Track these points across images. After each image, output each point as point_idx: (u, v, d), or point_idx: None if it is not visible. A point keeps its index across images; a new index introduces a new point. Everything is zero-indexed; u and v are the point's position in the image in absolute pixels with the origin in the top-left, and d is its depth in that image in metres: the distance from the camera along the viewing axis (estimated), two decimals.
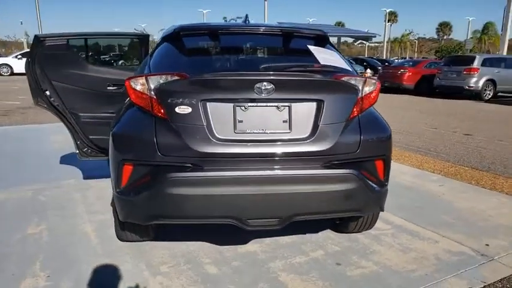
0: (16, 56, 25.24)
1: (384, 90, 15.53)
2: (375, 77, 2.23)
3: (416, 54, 65.17)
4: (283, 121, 2.33)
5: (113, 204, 2.63)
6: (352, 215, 2.70)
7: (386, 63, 25.32)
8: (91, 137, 3.70)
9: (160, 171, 2.25)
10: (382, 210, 2.65)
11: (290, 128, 2.33)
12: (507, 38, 22.05)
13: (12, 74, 23.95)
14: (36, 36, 3.48)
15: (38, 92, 3.55)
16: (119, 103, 3.70)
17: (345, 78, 2.45)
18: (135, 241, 2.90)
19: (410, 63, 19.93)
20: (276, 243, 3.00)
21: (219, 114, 2.27)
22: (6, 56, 27.49)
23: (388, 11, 62.12)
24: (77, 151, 3.79)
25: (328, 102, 2.36)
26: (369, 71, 20.28)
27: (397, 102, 13.84)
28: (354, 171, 2.35)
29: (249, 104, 2.29)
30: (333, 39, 26.40)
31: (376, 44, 74.90)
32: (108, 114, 3.72)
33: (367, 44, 71.72)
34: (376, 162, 2.53)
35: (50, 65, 3.47)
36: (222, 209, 2.29)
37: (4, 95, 13.46)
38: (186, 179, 2.22)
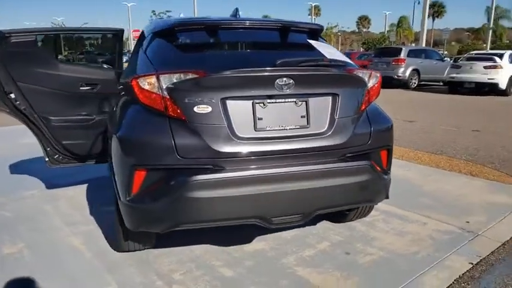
0: None
1: None
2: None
3: (340, 46, 68.41)
4: (302, 116, 2.32)
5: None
6: (366, 204, 2.79)
7: None
8: (64, 142, 3.36)
9: (181, 175, 2.12)
10: (388, 198, 2.76)
11: (308, 123, 2.33)
12: (425, 31, 24.09)
13: None
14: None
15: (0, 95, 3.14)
16: (93, 104, 3.44)
17: (355, 72, 2.51)
18: (136, 250, 2.72)
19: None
20: (279, 238, 2.99)
21: (239, 112, 2.20)
22: None
23: (313, 5, 64.43)
24: (47, 158, 3.42)
25: (342, 96, 2.39)
26: None
27: None
28: (369, 162, 2.42)
29: (268, 101, 2.24)
30: None
31: None
32: (82, 117, 3.43)
33: None
34: (382, 152, 2.63)
35: (16, 65, 3.08)
36: (247, 210, 2.23)
37: None
38: (209, 181, 2.12)
